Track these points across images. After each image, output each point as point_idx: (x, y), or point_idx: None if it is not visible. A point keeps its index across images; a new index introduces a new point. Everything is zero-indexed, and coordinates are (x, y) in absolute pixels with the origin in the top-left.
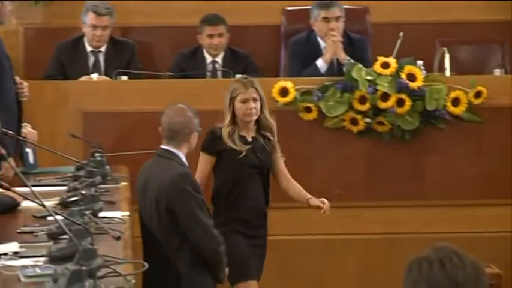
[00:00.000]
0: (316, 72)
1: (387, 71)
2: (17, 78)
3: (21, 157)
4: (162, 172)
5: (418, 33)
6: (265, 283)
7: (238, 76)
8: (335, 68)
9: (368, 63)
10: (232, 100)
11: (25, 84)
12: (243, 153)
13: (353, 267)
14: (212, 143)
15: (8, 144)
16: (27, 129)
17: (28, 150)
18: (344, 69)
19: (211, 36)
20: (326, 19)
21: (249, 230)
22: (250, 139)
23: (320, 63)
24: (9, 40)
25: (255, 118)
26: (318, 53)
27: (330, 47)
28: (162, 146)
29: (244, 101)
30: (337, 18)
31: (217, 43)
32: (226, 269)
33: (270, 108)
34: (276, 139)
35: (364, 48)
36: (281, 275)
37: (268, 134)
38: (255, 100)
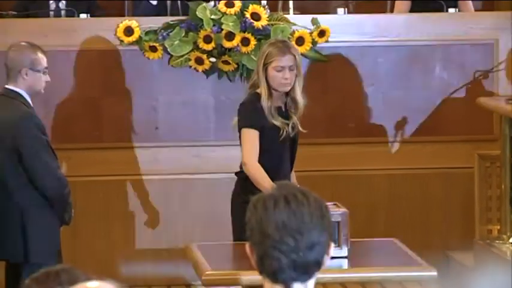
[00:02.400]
0: (149, 7)
1: (232, 10)
2: None
3: None
4: (6, 111)
5: None
6: None
7: (273, 39)
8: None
9: None
10: (265, 66)
11: None
12: (283, 131)
13: (199, 208)
14: (256, 117)
15: None
16: None
17: None
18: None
19: None
20: None
21: None
22: (284, 110)
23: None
24: None
25: (289, 88)
26: None
27: None
28: (5, 86)
29: (280, 70)
30: None
31: None
32: (72, 211)
33: (116, 48)
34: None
35: None
36: None
37: (292, 110)
38: (291, 69)
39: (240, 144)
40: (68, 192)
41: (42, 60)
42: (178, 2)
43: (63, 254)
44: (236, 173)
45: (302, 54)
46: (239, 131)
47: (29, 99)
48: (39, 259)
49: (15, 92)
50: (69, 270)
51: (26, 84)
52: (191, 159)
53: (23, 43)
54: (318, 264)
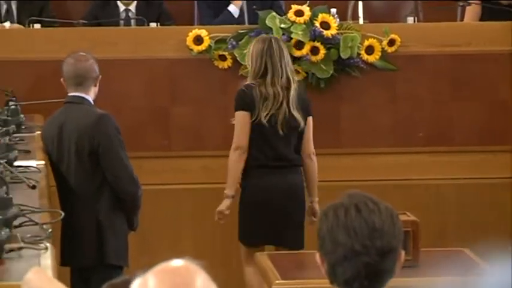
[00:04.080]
0: (230, 18)
1: (301, 19)
2: None
3: None
4: (80, 117)
5: None
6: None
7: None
8: (245, 13)
9: (279, 9)
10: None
11: None
12: None
13: None
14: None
15: None
16: None
17: None
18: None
19: None
20: None
21: None
22: None
23: (232, 8)
24: None
25: None
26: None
27: None
28: (71, 93)
29: None
30: None
31: None
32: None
33: (185, 57)
34: None
35: None
36: (193, 224)
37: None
38: None
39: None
40: (141, 195)
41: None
42: (244, 8)
43: (131, 262)
44: None
45: (371, 63)
46: None
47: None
48: (114, 261)
49: (82, 97)
50: None
51: (95, 92)
52: None
53: (82, 53)
54: (389, 273)
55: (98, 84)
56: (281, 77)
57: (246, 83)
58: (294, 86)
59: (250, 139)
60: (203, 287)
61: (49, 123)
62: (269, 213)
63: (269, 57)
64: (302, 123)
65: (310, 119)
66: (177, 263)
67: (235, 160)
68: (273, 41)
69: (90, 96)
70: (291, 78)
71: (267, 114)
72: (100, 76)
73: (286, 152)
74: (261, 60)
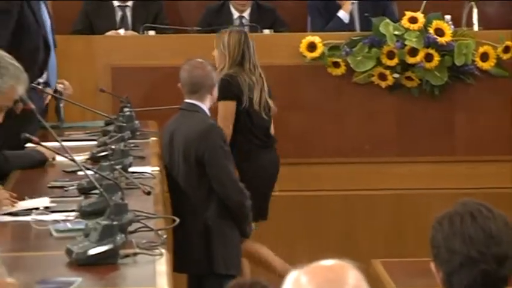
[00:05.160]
0: (341, 24)
1: (415, 26)
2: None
3: (56, 111)
4: (190, 125)
5: None
6: (290, 241)
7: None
8: (355, 18)
9: (392, 16)
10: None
11: (66, 83)
12: None
13: (383, 224)
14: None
15: (36, 99)
16: (65, 84)
17: (61, 105)
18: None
19: None
20: None
21: None
22: None
23: (342, 14)
24: None
25: None
26: (336, 5)
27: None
28: (186, 100)
29: None
30: None
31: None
32: (253, 225)
33: (298, 63)
34: None
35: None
36: (308, 233)
37: None
38: None
39: None
40: (249, 205)
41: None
42: (354, 13)
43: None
44: None
45: (486, 71)
46: None
47: (208, 112)
48: (223, 270)
49: (197, 105)
50: (262, 283)
51: (212, 100)
52: (373, 175)
53: (200, 60)
54: (505, 281)
55: (214, 93)
56: (256, 67)
57: (226, 72)
58: (264, 77)
59: (241, 124)
60: (355, 283)
61: (166, 128)
62: (272, 186)
63: (247, 47)
64: (273, 109)
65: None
66: (328, 261)
67: None
68: (247, 34)
69: (205, 105)
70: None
71: (257, 99)
72: (216, 85)
73: (270, 133)
74: (239, 48)
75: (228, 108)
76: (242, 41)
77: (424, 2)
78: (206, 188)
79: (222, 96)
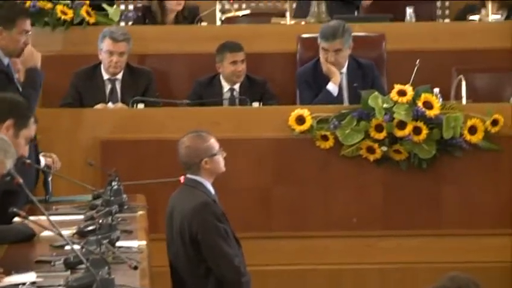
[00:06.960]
0: (330, 97)
1: (404, 99)
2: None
3: (44, 185)
4: (185, 201)
5: (434, 60)
6: None
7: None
8: (343, 90)
9: (380, 88)
10: None
11: (54, 156)
12: None
13: None
14: None
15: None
16: (54, 157)
17: (49, 179)
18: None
19: (234, 63)
20: (325, 50)
21: None
22: None
23: (331, 87)
24: None
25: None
26: (325, 77)
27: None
28: (187, 175)
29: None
30: (337, 51)
31: (241, 69)
32: None
33: (287, 136)
34: None
35: (373, 72)
36: None
37: None
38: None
39: None
40: (245, 282)
41: (215, 143)
42: (343, 85)
43: None
44: None
45: (474, 144)
46: None
47: (209, 187)
48: None
49: (196, 181)
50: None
51: (208, 172)
52: (361, 249)
53: (190, 134)
54: None
55: (209, 166)
56: None
57: None
58: None
59: None
60: None
61: (169, 200)
62: None
63: None
64: None
65: None
66: None
67: None
68: None
69: (204, 178)
70: None
71: None
72: (206, 158)
73: None
74: None
75: None
76: None
77: (413, 74)
78: (204, 264)
79: None
